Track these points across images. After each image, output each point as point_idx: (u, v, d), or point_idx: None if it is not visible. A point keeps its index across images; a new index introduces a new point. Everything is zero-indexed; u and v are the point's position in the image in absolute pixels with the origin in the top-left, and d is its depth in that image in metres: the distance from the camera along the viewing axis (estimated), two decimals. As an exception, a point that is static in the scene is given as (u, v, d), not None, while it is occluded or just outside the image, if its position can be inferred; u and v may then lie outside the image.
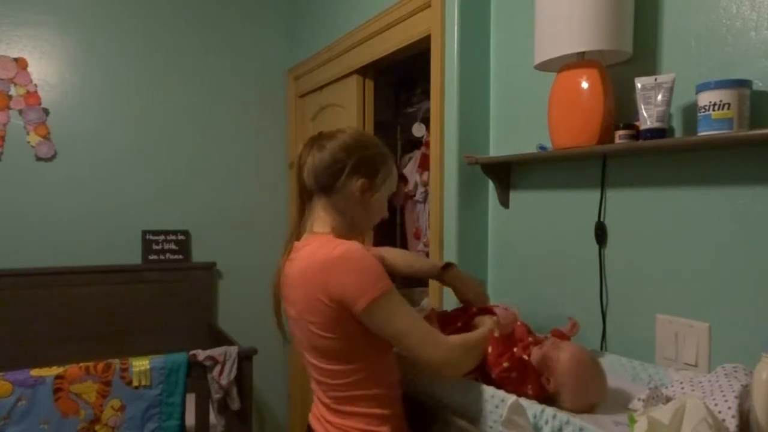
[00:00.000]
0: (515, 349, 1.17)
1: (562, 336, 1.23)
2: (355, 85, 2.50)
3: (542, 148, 1.52)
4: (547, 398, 1.13)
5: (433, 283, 1.90)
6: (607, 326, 1.45)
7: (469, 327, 1.30)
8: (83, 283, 2.60)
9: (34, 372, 1.84)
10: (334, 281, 1.07)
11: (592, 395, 1.12)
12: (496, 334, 1.17)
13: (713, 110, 1.10)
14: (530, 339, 1.22)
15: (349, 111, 2.55)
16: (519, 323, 1.25)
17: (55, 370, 1.85)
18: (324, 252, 1.10)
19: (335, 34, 2.55)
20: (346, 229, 1.20)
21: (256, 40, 3.04)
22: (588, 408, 1.10)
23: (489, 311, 1.32)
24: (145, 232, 2.75)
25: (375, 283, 1.08)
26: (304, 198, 1.23)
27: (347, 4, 2.48)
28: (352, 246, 1.10)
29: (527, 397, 1.08)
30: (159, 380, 1.97)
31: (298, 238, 1.22)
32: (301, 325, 1.16)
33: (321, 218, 1.20)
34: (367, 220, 1.25)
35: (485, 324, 1.24)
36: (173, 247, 2.81)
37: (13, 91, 2.50)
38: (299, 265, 1.15)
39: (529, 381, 1.13)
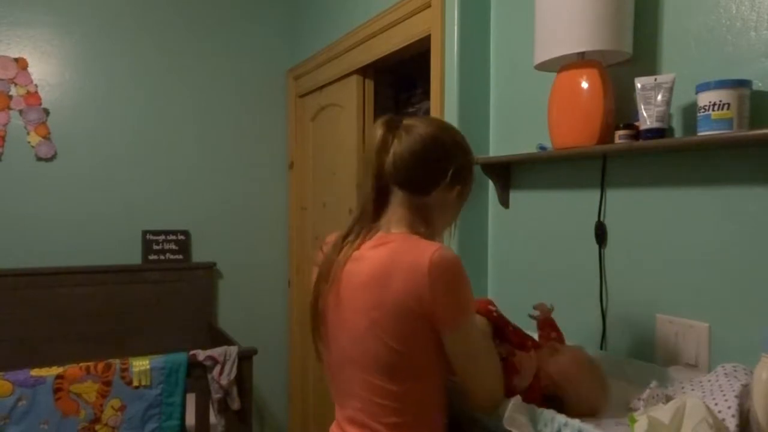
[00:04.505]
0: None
1: (550, 325, 1.23)
2: (355, 85, 2.50)
3: (542, 148, 1.52)
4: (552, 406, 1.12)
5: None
6: (607, 326, 1.45)
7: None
8: (83, 283, 2.60)
9: (34, 372, 1.84)
10: (431, 291, 0.94)
11: (594, 398, 1.10)
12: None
13: (713, 110, 1.10)
14: (529, 343, 1.18)
15: (349, 111, 2.55)
16: (511, 328, 1.18)
17: (55, 370, 1.85)
18: (417, 254, 0.96)
19: (335, 34, 2.55)
20: (422, 232, 1.05)
21: (256, 40, 3.04)
22: (592, 411, 1.09)
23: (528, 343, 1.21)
24: (145, 232, 2.75)
25: (469, 302, 0.99)
26: (381, 188, 1.05)
27: (347, 4, 2.48)
28: (450, 252, 0.97)
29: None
30: (159, 380, 1.97)
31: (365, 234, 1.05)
32: (365, 334, 0.99)
33: (398, 216, 1.05)
34: (444, 228, 1.13)
35: (525, 367, 1.10)
36: (173, 247, 2.81)
37: (13, 91, 2.50)
38: (374, 265, 0.99)
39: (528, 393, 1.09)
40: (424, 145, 1.03)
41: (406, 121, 1.06)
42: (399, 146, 1.03)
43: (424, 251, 0.96)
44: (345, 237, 1.07)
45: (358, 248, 1.04)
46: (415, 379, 1.00)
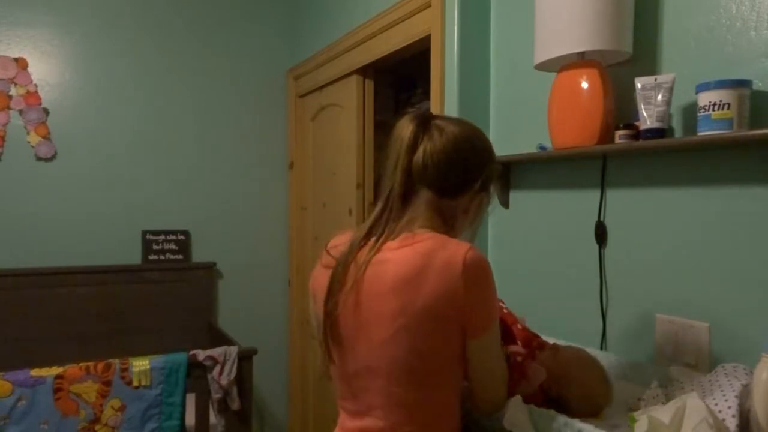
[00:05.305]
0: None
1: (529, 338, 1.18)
2: (355, 85, 2.50)
3: (542, 148, 1.52)
4: (553, 406, 1.12)
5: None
6: (607, 326, 1.45)
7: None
8: (83, 283, 2.60)
9: (34, 372, 1.84)
10: (464, 292, 0.90)
11: (597, 396, 1.10)
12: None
13: (713, 110, 1.10)
14: (535, 343, 1.17)
15: (349, 111, 2.55)
16: (519, 326, 1.17)
17: (55, 370, 1.85)
18: (450, 254, 0.91)
19: (335, 34, 2.55)
20: (444, 233, 1.00)
21: (256, 40, 3.04)
22: (594, 411, 1.09)
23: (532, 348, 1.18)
24: (145, 232, 2.75)
25: (497, 307, 0.97)
26: (408, 186, 0.99)
27: (347, 4, 2.48)
28: (480, 253, 0.94)
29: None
30: (159, 380, 1.97)
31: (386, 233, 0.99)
32: (388, 342, 0.94)
33: (422, 217, 0.99)
34: (464, 233, 1.08)
35: (536, 378, 1.08)
36: (173, 247, 2.81)
37: (13, 91, 2.50)
38: (402, 266, 0.93)
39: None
40: (459, 147, 0.99)
41: (438, 120, 1.01)
42: (431, 145, 0.98)
43: (456, 251, 0.92)
44: (367, 234, 1.00)
45: (379, 250, 0.97)
46: (436, 385, 0.97)
